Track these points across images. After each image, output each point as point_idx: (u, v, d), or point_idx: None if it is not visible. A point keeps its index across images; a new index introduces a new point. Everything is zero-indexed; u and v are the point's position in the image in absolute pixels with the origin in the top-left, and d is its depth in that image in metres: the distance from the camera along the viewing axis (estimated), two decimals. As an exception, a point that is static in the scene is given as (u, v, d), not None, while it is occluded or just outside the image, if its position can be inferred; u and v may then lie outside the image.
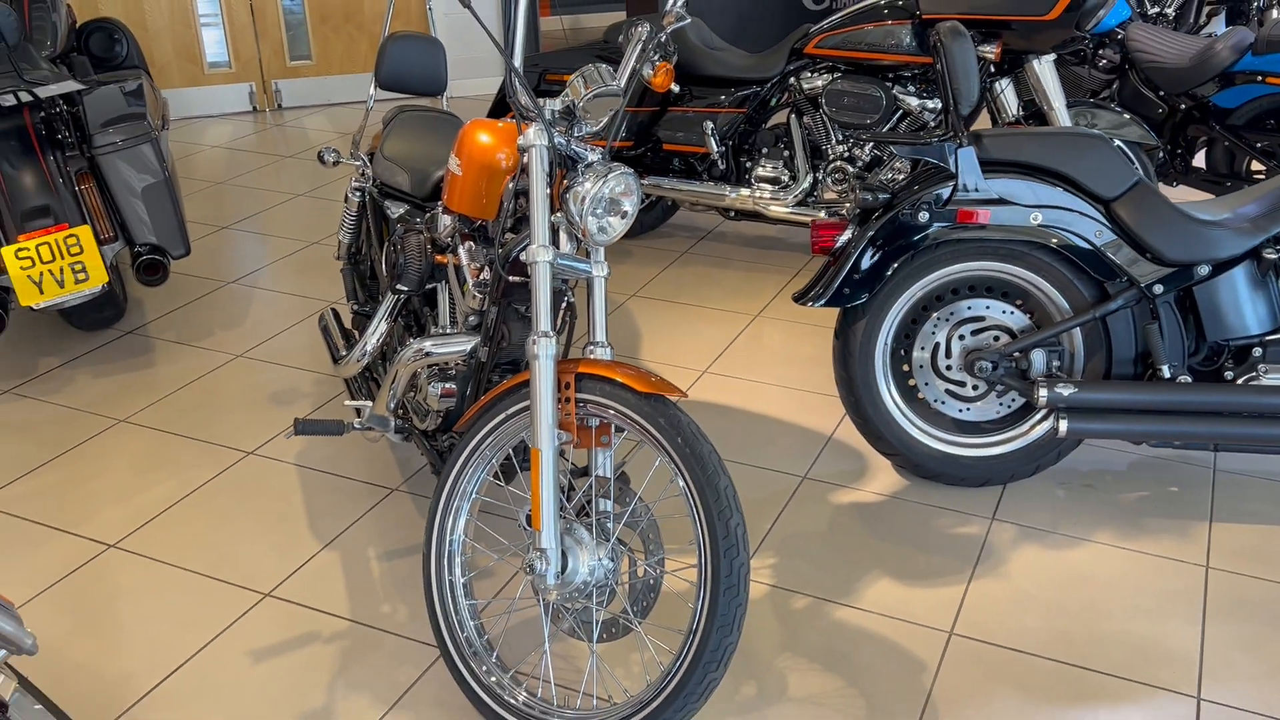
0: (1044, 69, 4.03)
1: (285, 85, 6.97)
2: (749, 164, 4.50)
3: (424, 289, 2.77)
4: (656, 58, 2.64)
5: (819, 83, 4.32)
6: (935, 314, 2.98)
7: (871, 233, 2.89)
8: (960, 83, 2.87)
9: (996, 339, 2.97)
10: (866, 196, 2.86)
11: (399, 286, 2.73)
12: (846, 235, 2.96)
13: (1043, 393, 2.80)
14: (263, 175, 5.83)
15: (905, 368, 3.06)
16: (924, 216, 2.86)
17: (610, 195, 2.28)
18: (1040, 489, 3.10)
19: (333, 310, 3.40)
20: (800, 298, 3.03)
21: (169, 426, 3.49)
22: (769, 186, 4.44)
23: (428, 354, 2.61)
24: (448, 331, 2.72)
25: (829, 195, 4.38)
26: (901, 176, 4.17)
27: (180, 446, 3.38)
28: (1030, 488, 3.10)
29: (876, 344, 3.00)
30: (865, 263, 2.91)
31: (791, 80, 4.39)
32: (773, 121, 4.55)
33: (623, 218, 2.32)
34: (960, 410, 3.04)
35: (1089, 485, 3.11)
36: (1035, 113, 4.18)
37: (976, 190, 2.83)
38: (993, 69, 4.17)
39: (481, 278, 2.56)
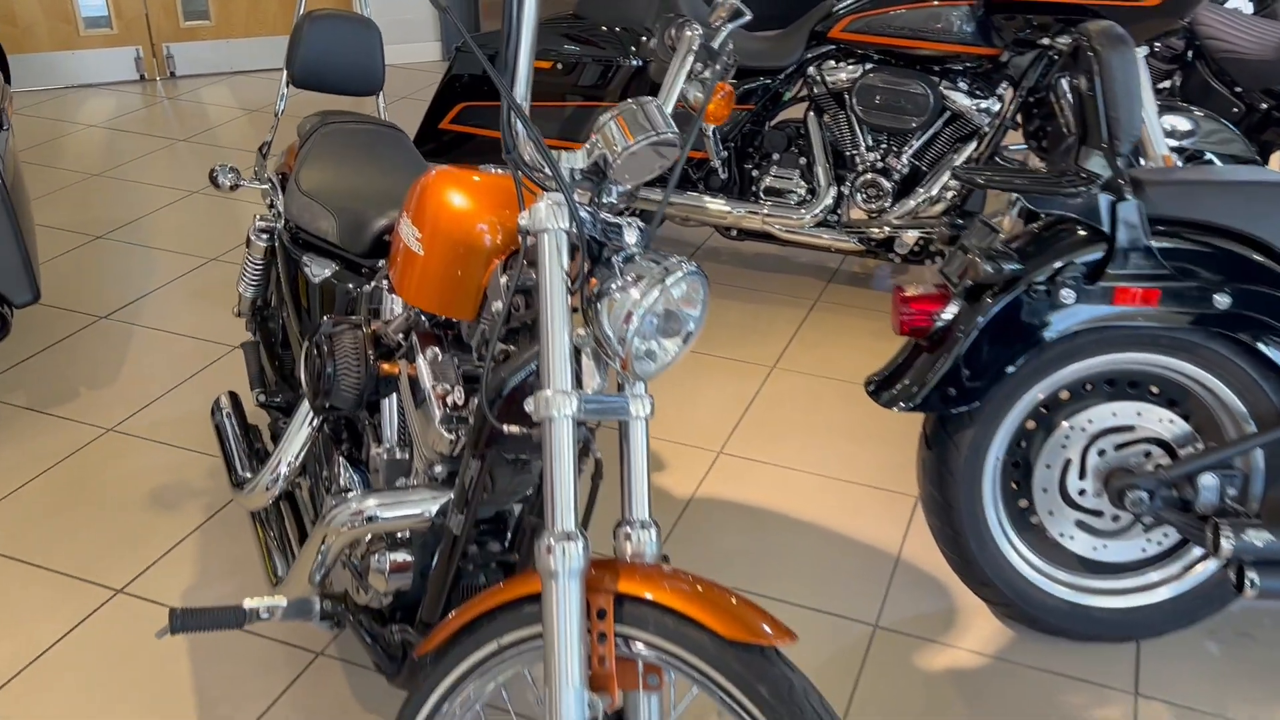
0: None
1: (179, 50, 5.92)
2: (756, 173, 3.66)
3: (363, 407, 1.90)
4: (711, 74, 1.79)
5: (845, 75, 3.49)
6: (1067, 421, 2.19)
7: (990, 315, 2.09)
8: (1122, 108, 2.06)
9: (1147, 454, 2.20)
10: (990, 267, 2.05)
11: (325, 405, 1.85)
12: (950, 313, 2.15)
13: (1226, 542, 2.03)
14: (151, 164, 4.82)
15: (1014, 484, 2.27)
16: (1068, 296, 2.06)
17: (667, 308, 1.45)
18: (1186, 641, 2.35)
19: (231, 397, 2.49)
20: (879, 391, 2.22)
21: (2, 548, 2.57)
22: (781, 202, 3.61)
23: (371, 519, 1.74)
24: (401, 486, 1.85)
25: (856, 214, 3.56)
26: (950, 194, 3.36)
27: (16, 580, 2.46)
28: (1173, 640, 2.35)
29: (986, 460, 2.21)
30: (981, 356, 2.11)
31: (811, 70, 3.55)
32: (783, 119, 3.71)
33: (684, 340, 1.50)
34: (1095, 548, 2.27)
35: (1246, 635, 2.37)
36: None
37: (1142, 260, 2.04)
38: (1052, 64, 3.38)
39: (452, 401, 1.70)
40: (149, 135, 5.15)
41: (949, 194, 3.43)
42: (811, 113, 3.59)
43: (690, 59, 1.74)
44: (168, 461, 2.86)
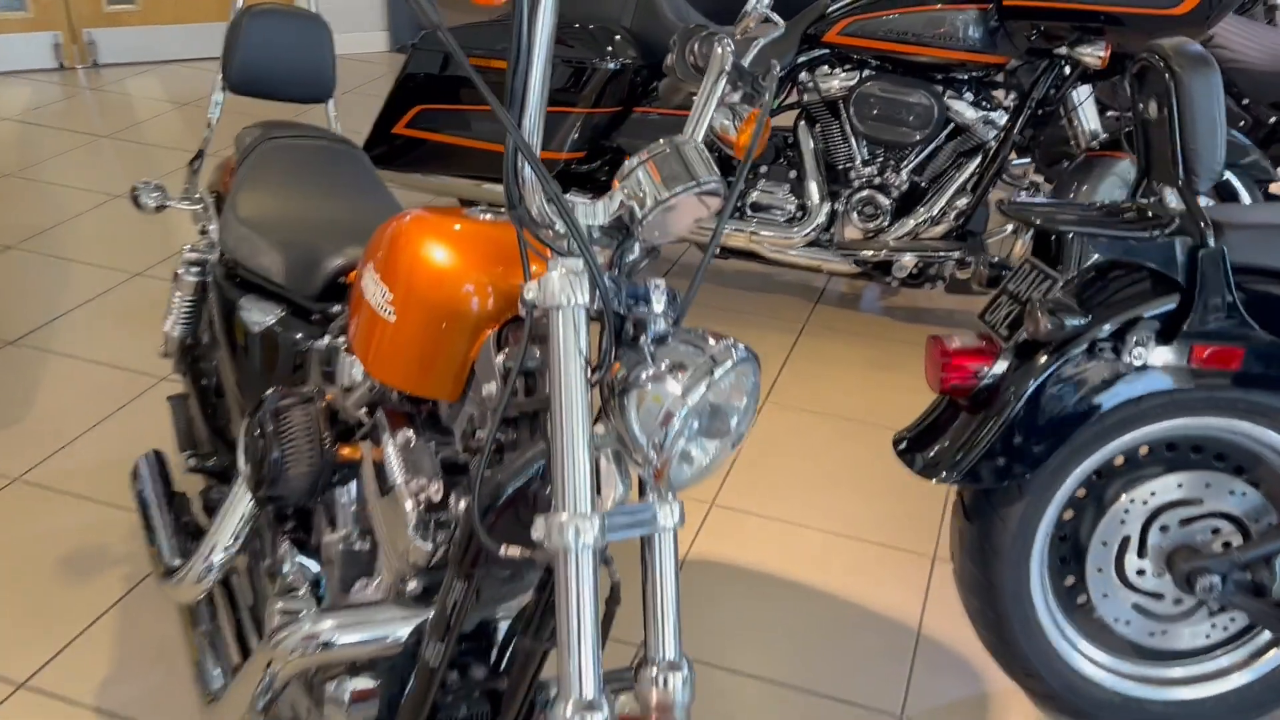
0: (1156, 78, 2.98)
1: (102, 36, 5.47)
2: (742, 187, 3.35)
3: (316, 498, 1.57)
4: (742, 99, 1.48)
5: (840, 82, 3.20)
6: (1127, 494, 1.92)
7: (1047, 375, 1.81)
8: (1202, 138, 1.78)
9: (1215, 530, 1.94)
10: (1050, 322, 1.76)
11: (269, 496, 1.51)
12: (999, 370, 1.87)
13: (1315, 636, 1.78)
14: (69, 164, 4.40)
15: (1059, 559, 2.01)
16: (1139, 355, 1.79)
17: (714, 403, 1.16)
18: (1244, 731, 2.10)
19: (154, 459, 2.14)
20: (911, 452, 1.95)
21: (-110, 630, 2.19)
22: (769, 218, 3.32)
23: (327, 645, 1.42)
24: (363, 601, 1.52)
25: (850, 233, 3.28)
26: (953, 214, 3.09)
27: (-96, 675, 2.10)
28: (1231, 730, 2.10)
29: (1036, 536, 1.93)
30: (1036, 421, 1.83)
31: (803, 76, 3.25)
32: (770, 127, 3.41)
33: (732, 445, 1.20)
34: (1152, 634, 2.01)
35: (1309, 721, 2.13)
36: (1116, 136, 3.14)
37: (1224, 316, 1.77)
38: (1064, 75, 3.12)
39: (427, 498, 1.38)
40: (67, 130, 4.72)
41: (951, 214, 3.16)
42: (803, 122, 3.30)
43: (723, 82, 1.43)
44: (83, 519, 2.49)
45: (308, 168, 2.05)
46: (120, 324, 3.29)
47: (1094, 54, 2.90)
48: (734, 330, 3.41)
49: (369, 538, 1.59)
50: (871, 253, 3.20)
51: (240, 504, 1.80)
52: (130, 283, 3.53)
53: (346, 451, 1.49)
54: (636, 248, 1.24)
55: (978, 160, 3.18)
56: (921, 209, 3.20)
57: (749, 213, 3.33)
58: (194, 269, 2.12)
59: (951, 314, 3.56)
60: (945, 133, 3.17)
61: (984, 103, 3.15)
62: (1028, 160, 3.39)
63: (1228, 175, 3.18)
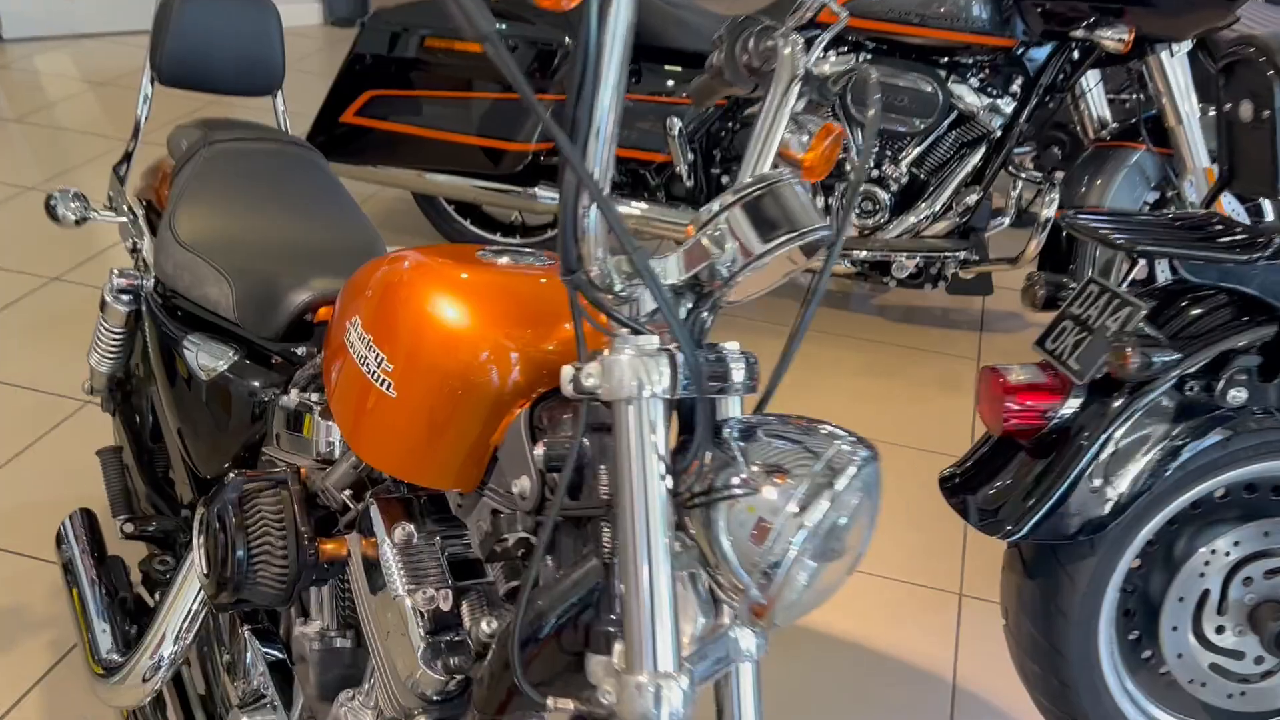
0: (1176, 64, 2.77)
1: (7, 7, 5.01)
2: (727, 180, 3.09)
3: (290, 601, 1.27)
4: (807, 109, 1.20)
5: (832, 66, 2.94)
6: (1207, 545, 1.71)
7: (1131, 417, 1.58)
8: (1306, 147, 1.56)
9: (1303, 582, 1.73)
10: (1138, 358, 1.53)
11: (233, 601, 1.22)
12: (1069, 410, 1.64)
13: None
14: (-27, 152, 3.99)
15: (1123, 613, 1.79)
16: (1236, 395, 1.57)
17: (837, 523, 0.90)
18: (1317, 793, 1.91)
19: (84, 517, 1.82)
20: (963, 500, 1.71)
21: None
22: (759, 215, 3.05)
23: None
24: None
25: (848, 230, 3.03)
26: (957, 210, 2.87)
27: None
28: (1303, 792, 1.91)
29: (1105, 595, 1.71)
30: (1115, 469, 1.60)
31: (793, 59, 2.98)
32: (754, 114, 3.15)
33: (849, 568, 0.94)
34: (1230, 695, 1.80)
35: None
36: (1130, 125, 2.93)
37: (1332, 349, 1.56)
38: (1073, 61, 2.90)
39: (436, 608, 1.11)
40: (-29, 113, 4.29)
41: (956, 209, 2.94)
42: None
43: (796, 90, 1.16)
44: (-2, 576, 2.17)
45: (259, 178, 1.74)
46: (35, 338, 2.93)
47: (1116, 37, 2.68)
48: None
49: (352, 633, 1.31)
50: (869, 252, 2.96)
51: (191, 586, 1.51)
52: (45, 289, 3.17)
53: (330, 548, 1.20)
54: (711, 311, 0.98)
55: (982, 151, 2.95)
56: (923, 204, 2.97)
57: (735, 208, 3.06)
58: (124, 297, 1.80)
59: (947, 314, 3.34)
60: (948, 121, 2.93)
61: (990, 89, 2.92)
62: (1028, 149, 3.18)
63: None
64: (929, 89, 2.87)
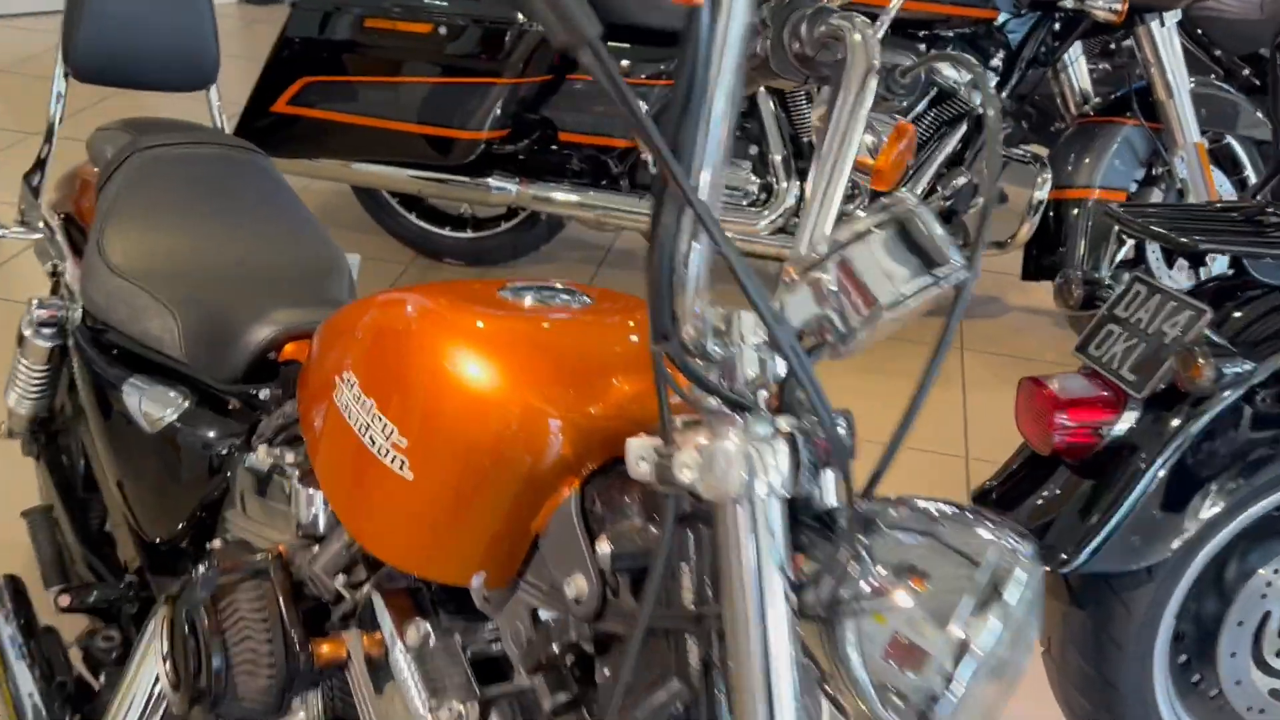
0: (1167, 35, 2.65)
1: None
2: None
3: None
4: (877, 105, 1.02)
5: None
6: (1266, 567, 1.57)
7: (1197, 434, 1.43)
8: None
9: (1367, 600, 1.61)
10: (1211, 370, 1.38)
11: (213, 714, 1.01)
12: (1125, 426, 1.48)
13: None
14: None
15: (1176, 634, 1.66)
16: (1313, 407, 1.43)
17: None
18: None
19: (11, 586, 1.58)
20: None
21: None
22: (730, 202, 2.87)
23: None
24: None
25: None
26: (939, 193, 2.71)
27: None
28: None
29: (1162, 623, 1.57)
30: (1178, 490, 1.45)
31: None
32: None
33: (1006, 692, 0.75)
34: (1289, 723, 1.68)
35: None
36: (1116, 99, 2.81)
37: None
38: (1055, 33, 2.76)
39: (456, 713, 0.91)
40: None
41: (939, 193, 2.78)
42: (761, 89, 2.85)
43: (873, 84, 0.97)
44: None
45: (201, 188, 1.51)
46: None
47: (1109, 7, 2.53)
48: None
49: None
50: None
51: (148, 671, 1.29)
52: (-51, 303, 2.86)
53: (327, 649, 0.99)
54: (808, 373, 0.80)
55: (963, 129, 2.80)
56: (904, 187, 2.80)
57: (705, 196, 2.87)
58: (46, 330, 1.55)
59: (938, 304, 3.19)
60: (927, 99, 2.77)
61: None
62: (1006, 126, 3.04)
63: (1229, 140, 2.89)
64: (909, 66, 2.70)
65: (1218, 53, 3.38)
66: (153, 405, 1.32)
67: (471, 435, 0.84)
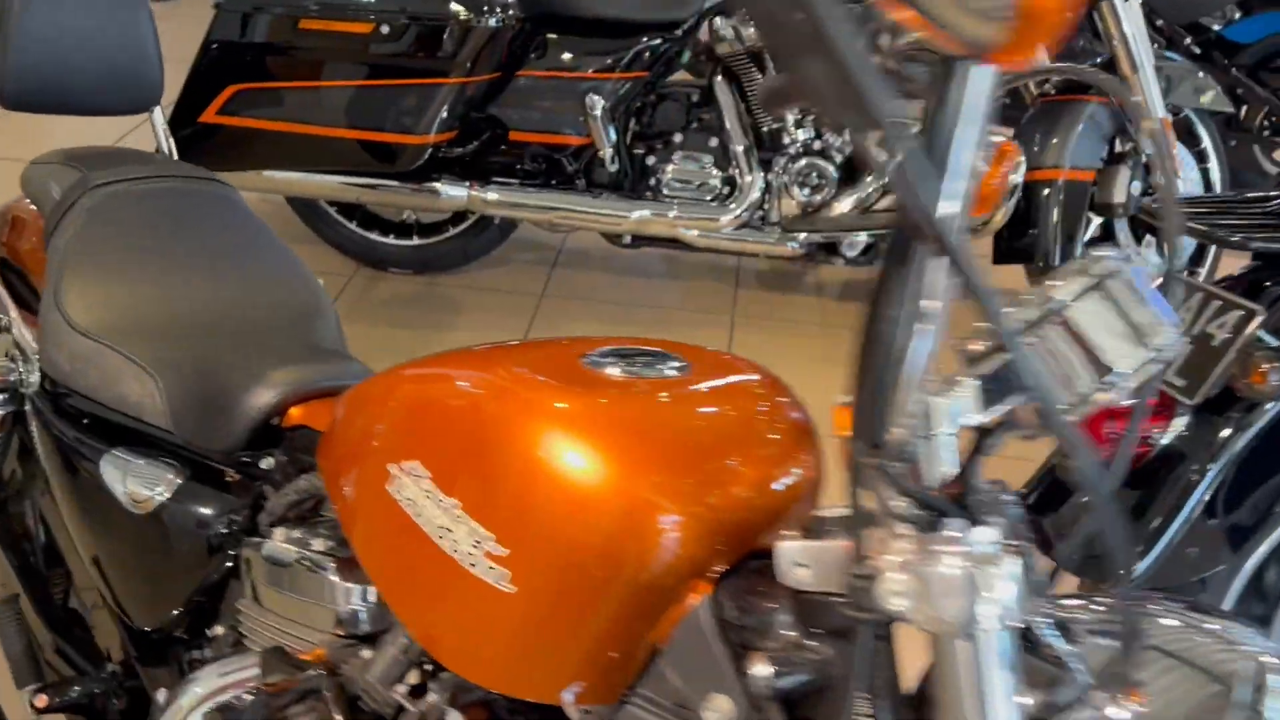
0: (1131, 8, 2.60)
1: None
2: (654, 161, 2.78)
3: None
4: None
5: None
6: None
7: (1249, 441, 1.38)
8: None
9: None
10: (1277, 373, 1.32)
11: None
12: (1175, 433, 1.42)
13: None
14: None
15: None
16: (1370, 406, 1.38)
17: None
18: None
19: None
20: (1043, 538, 1.48)
21: None
22: (694, 198, 2.76)
23: None
24: None
25: (790, 209, 2.77)
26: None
27: None
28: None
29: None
30: (1235, 500, 1.40)
31: (718, 22, 2.69)
32: (675, 83, 2.84)
33: None
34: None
35: None
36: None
37: None
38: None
39: None
40: None
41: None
42: (720, 78, 2.74)
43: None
44: None
45: (168, 229, 1.35)
46: None
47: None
48: (661, 330, 2.85)
49: None
50: (819, 234, 2.71)
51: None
52: None
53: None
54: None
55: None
56: (869, 177, 2.73)
57: (665, 192, 2.76)
58: (-2, 398, 1.38)
59: (888, 286, 3.13)
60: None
61: (932, 45, 2.69)
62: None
63: (1188, 114, 2.87)
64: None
65: (1159, 22, 3.37)
66: (140, 484, 1.17)
67: (582, 539, 0.72)
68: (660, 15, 2.64)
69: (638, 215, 2.71)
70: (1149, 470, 1.44)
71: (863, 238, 2.72)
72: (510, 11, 2.54)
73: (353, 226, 2.97)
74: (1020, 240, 2.68)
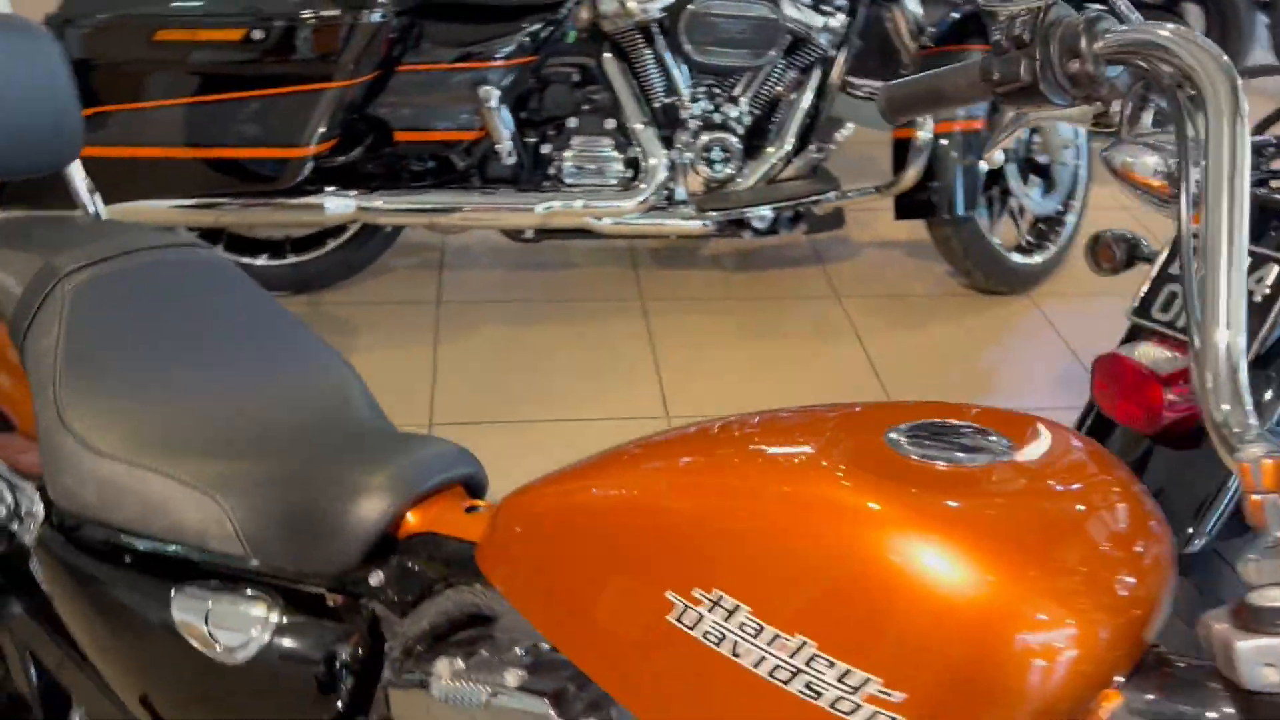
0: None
1: None
2: (549, 149, 2.64)
3: None
4: (1153, 120, 0.86)
5: (659, 2, 2.54)
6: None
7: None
8: None
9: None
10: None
11: None
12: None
13: None
14: None
15: None
16: None
17: None
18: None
19: None
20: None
21: None
22: (598, 185, 2.64)
23: None
24: None
25: (697, 187, 2.69)
26: (814, 148, 2.63)
27: None
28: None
29: (1259, 574, 1.56)
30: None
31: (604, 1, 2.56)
32: (559, 63, 2.70)
33: None
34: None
35: None
36: (951, 25, 2.79)
37: None
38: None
39: None
40: None
41: (812, 147, 2.69)
42: (609, 55, 2.62)
43: (1245, 123, 0.81)
44: None
45: (172, 316, 1.15)
46: None
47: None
48: (579, 326, 2.73)
49: None
50: (734, 210, 2.64)
51: None
52: None
53: None
54: None
55: (815, 78, 2.70)
56: (770, 147, 2.68)
57: (568, 181, 2.63)
58: (-16, 542, 1.14)
59: (780, 252, 3.11)
60: (781, 48, 2.64)
61: (820, 4, 2.65)
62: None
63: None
64: (769, 14, 2.56)
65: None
66: (230, 627, 0.99)
67: (983, 669, 0.63)
68: (542, -5, 2.49)
69: (544, 208, 2.57)
70: (1199, 433, 1.45)
71: (768, 210, 2.68)
72: (387, 4, 2.33)
73: (218, 250, 2.68)
74: (921, 195, 2.70)
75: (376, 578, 0.99)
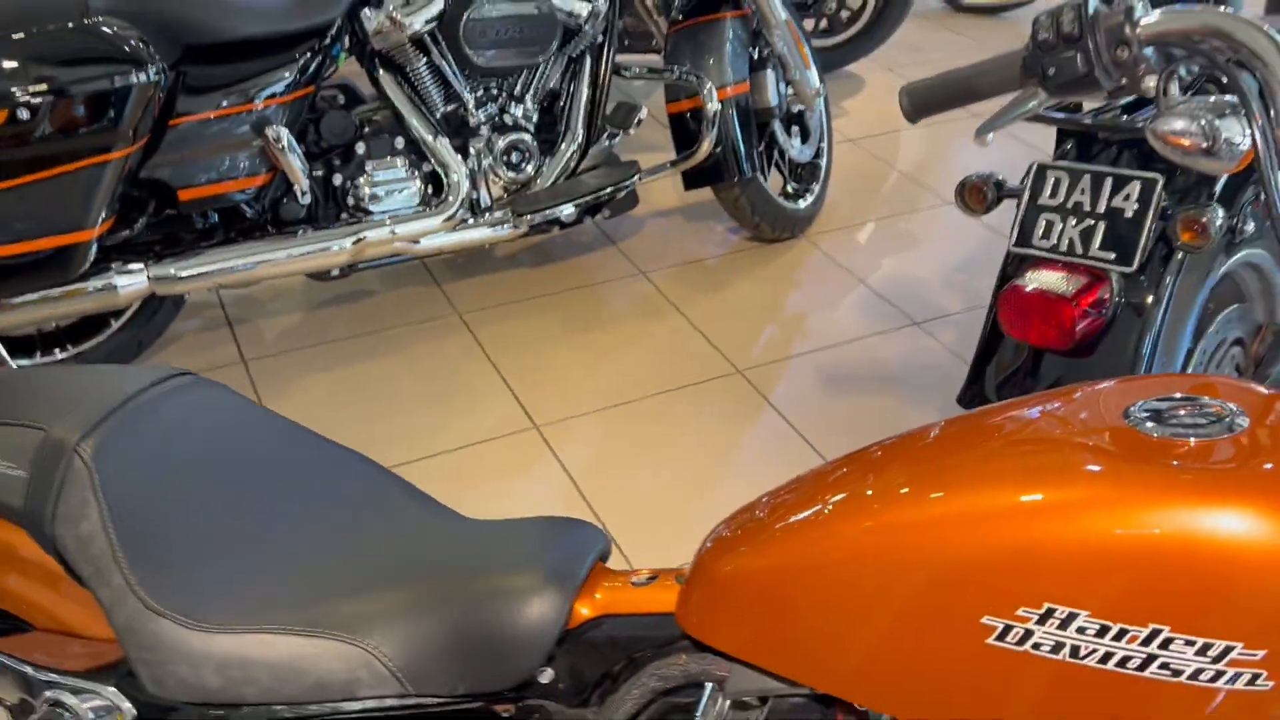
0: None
1: None
2: (344, 180, 2.51)
3: None
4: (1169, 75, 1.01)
5: (423, 13, 2.46)
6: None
7: (1179, 284, 1.62)
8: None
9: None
10: (1214, 223, 1.55)
11: None
12: (1114, 290, 1.63)
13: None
14: None
15: None
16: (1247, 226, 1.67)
17: None
18: None
19: None
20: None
21: None
22: (400, 207, 2.54)
23: None
24: None
25: (500, 193, 2.65)
26: (604, 136, 2.68)
27: None
28: None
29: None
30: (1177, 334, 1.64)
31: (367, 14, 2.44)
32: (324, 88, 2.56)
33: None
34: None
35: None
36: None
37: None
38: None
39: None
40: None
41: (602, 134, 2.71)
42: (383, 73, 2.51)
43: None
44: None
45: (209, 463, 1.03)
46: None
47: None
48: (405, 354, 2.62)
49: None
50: (549, 209, 2.62)
51: None
52: None
53: None
54: None
55: (589, 64, 2.72)
56: (563, 142, 2.68)
57: (372, 210, 2.51)
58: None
59: (570, 239, 3.12)
60: (557, 42, 2.64)
61: (584, -8, 2.66)
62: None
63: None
64: (543, 10, 2.54)
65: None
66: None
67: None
68: (309, 22, 2.33)
69: (353, 243, 2.44)
70: (1100, 339, 1.64)
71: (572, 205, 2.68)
72: (158, 59, 2.11)
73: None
74: (706, 162, 2.80)
75: (546, 675, 0.96)
